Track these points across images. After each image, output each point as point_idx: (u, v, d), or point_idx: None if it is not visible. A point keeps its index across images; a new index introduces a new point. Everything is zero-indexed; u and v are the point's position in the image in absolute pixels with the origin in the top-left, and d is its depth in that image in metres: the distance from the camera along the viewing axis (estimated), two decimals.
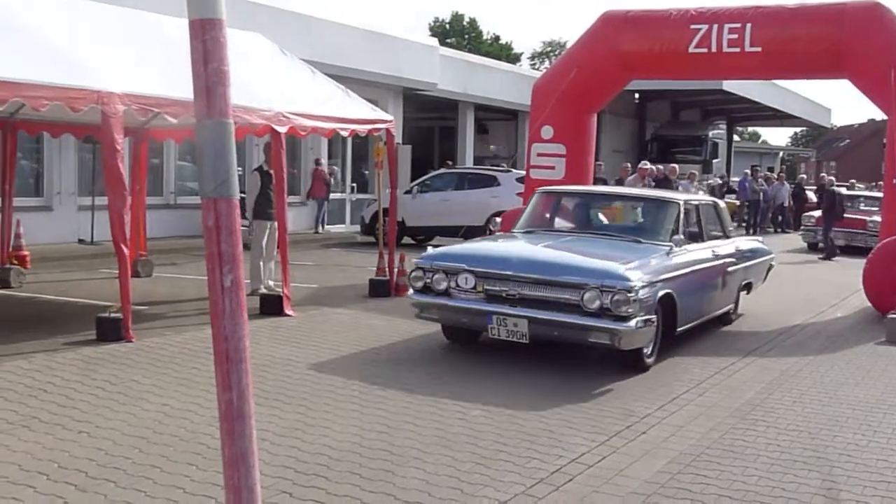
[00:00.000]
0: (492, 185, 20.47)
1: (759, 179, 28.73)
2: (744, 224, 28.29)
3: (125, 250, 8.71)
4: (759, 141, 79.59)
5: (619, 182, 22.34)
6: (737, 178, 32.91)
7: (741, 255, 10.89)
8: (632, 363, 8.15)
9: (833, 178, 24.73)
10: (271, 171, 11.45)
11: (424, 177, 22.18)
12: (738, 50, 12.81)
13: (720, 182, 28.59)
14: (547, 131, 14.19)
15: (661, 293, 8.11)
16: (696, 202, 10.59)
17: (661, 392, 7.61)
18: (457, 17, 68.72)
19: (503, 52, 64.44)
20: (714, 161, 37.50)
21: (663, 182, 20.06)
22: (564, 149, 14.11)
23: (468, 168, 25.69)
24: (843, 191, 25.34)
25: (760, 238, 12.96)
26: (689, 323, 9.12)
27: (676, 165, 21.99)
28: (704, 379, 8.10)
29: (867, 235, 20.36)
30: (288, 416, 6.35)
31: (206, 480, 4.97)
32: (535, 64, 70.91)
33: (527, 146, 15.10)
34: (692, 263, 9.13)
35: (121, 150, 8.69)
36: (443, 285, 8.37)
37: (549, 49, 75.82)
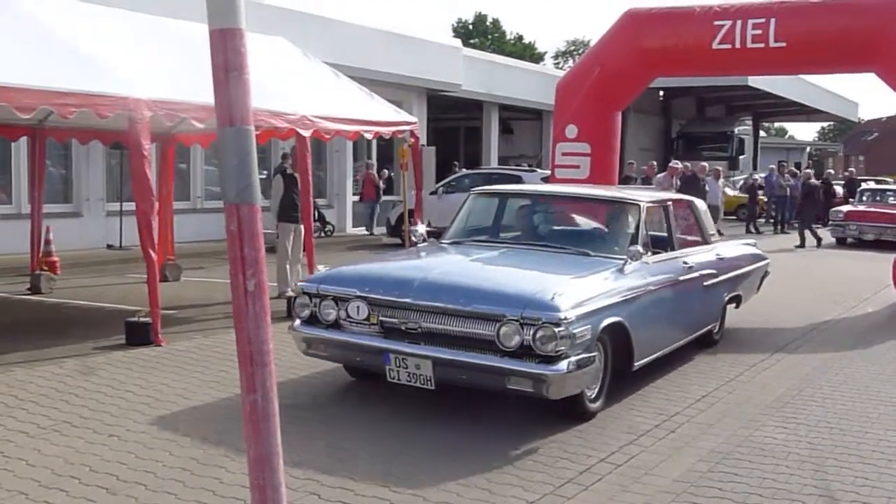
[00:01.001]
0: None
1: (787, 175, 28.48)
2: (771, 220, 28.04)
3: (153, 255, 8.76)
4: (786, 136, 79.14)
5: (646, 181, 22.33)
6: (763, 174, 32.69)
7: (724, 265, 9.01)
8: (568, 410, 6.35)
9: (811, 172, 25.29)
10: (295, 175, 11.51)
11: (450, 177, 22.21)
12: (762, 45, 12.71)
13: (755, 179, 28.32)
14: (571, 130, 14.15)
15: (605, 323, 6.29)
16: (665, 202, 8.52)
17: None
18: (480, 18, 68.75)
19: (526, 52, 64.40)
20: (741, 157, 37.32)
21: (691, 180, 19.98)
22: (589, 148, 14.06)
23: (493, 168, 25.67)
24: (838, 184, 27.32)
25: (754, 241, 11.29)
26: (653, 354, 7.30)
27: (706, 164, 22.09)
28: (735, 377, 8.04)
29: None
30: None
31: (234, 482, 4.99)
32: (558, 63, 70.85)
33: (551, 145, 15.06)
34: (654, 280, 7.26)
35: (148, 156, 8.76)
36: (332, 315, 6.55)
37: (572, 48, 75.74)
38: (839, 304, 12.54)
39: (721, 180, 24.83)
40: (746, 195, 27.95)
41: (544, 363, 5.75)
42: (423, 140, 15.46)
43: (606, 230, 8.10)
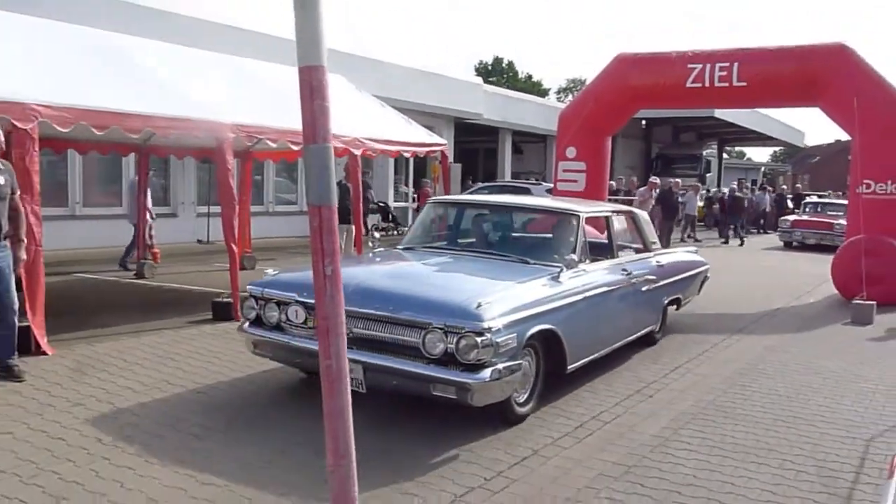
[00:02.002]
0: (525, 196, 20.38)
1: (744, 189, 28.14)
2: (731, 227, 27.58)
3: (234, 248, 8.83)
4: (745, 158, 78.20)
5: (629, 193, 22.27)
6: (725, 189, 32.33)
7: (664, 271, 8.03)
8: (497, 414, 5.35)
9: (735, 186, 25.46)
10: (349, 185, 11.56)
11: (472, 188, 22.18)
12: (727, 84, 12.65)
13: (723, 193, 28.01)
14: (571, 151, 14.12)
15: (535, 330, 5.34)
16: (605, 214, 7.59)
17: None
18: (497, 60, 68.39)
19: (535, 88, 64.01)
20: (707, 175, 37.01)
21: (667, 193, 19.91)
22: (585, 166, 14.04)
23: (507, 181, 25.65)
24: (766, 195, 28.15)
25: (694, 248, 10.37)
26: (588, 356, 6.34)
27: (679, 181, 22.62)
28: (701, 352, 7.98)
29: (833, 235, 20.08)
30: None
31: (310, 427, 5.02)
32: (560, 97, 70.33)
33: (554, 164, 15.00)
34: (590, 287, 6.29)
35: (231, 169, 8.81)
36: (274, 318, 5.69)
37: (572, 85, 75.13)
38: (788, 294, 12.41)
39: (698, 195, 24.83)
40: (717, 206, 27.51)
41: (468, 371, 4.84)
42: (451, 158, 15.44)
43: (547, 239, 7.09)
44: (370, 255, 6.98)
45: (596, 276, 6.56)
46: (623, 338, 7.17)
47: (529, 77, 69.56)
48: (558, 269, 6.00)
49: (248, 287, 5.97)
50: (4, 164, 6.11)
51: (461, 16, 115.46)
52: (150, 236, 12.49)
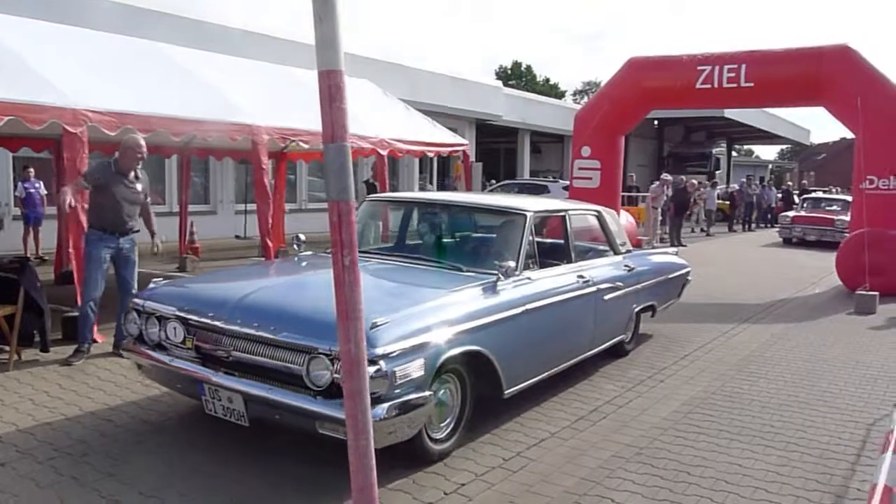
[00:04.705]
0: (543, 193, 20.35)
1: (753, 186, 27.87)
2: (742, 220, 27.32)
3: (269, 243, 8.91)
4: (753, 156, 77.32)
5: (638, 190, 22.18)
6: (735, 186, 32.04)
7: (633, 276, 6.72)
8: (412, 451, 4.18)
9: (696, 182, 22.13)
10: (376, 183, 11.61)
11: (490, 187, 22.16)
12: (735, 85, 12.52)
13: (734, 189, 27.74)
14: (586, 150, 14.04)
15: (454, 353, 4.17)
16: (561, 213, 6.19)
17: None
18: (516, 64, 68.03)
19: (552, 90, 63.61)
20: (717, 172, 36.65)
21: (682, 191, 19.75)
22: (599, 164, 13.95)
23: (526, 179, 25.65)
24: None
25: (675, 250, 8.99)
26: (535, 377, 5.17)
27: (695, 180, 22.06)
28: (710, 340, 7.93)
29: (835, 231, 19.27)
30: None
31: None
32: (576, 99, 69.82)
33: (570, 162, 14.94)
34: (534, 298, 5.06)
35: (266, 169, 8.88)
36: (155, 335, 4.54)
37: (587, 87, 74.65)
38: (793, 286, 12.28)
39: (717, 191, 24.63)
40: (728, 202, 27.23)
41: None
42: (472, 158, 15.44)
43: (488, 243, 5.79)
44: (273, 263, 5.71)
45: (543, 284, 5.30)
46: (581, 353, 5.92)
47: (547, 80, 69.13)
48: (493, 278, 4.80)
49: (133, 299, 4.96)
50: (142, 172, 6.62)
51: (482, 24, 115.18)
52: (191, 232, 12.61)
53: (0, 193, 13.66)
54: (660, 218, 19.66)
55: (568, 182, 15.73)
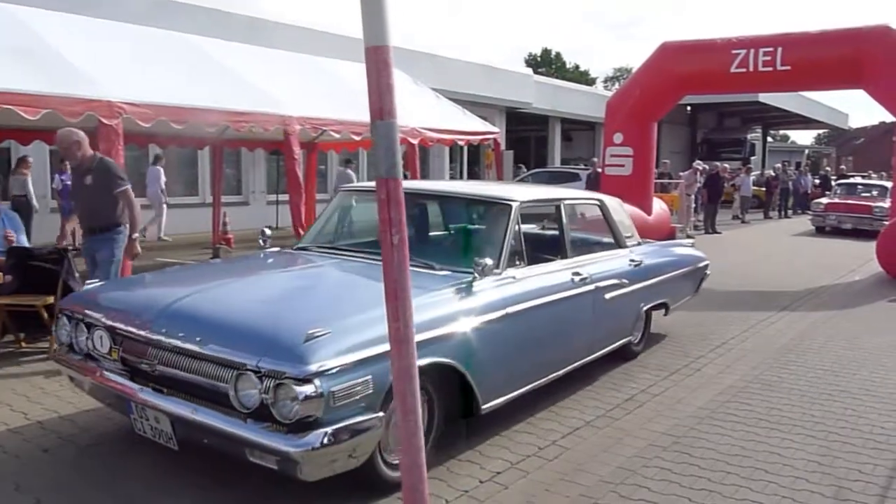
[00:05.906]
0: (574, 181, 20.19)
1: (789, 171, 27.37)
2: (778, 207, 26.80)
3: (301, 232, 8.93)
4: (789, 141, 75.99)
5: (671, 177, 21.88)
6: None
7: (640, 271, 6.03)
8: (363, 480, 3.58)
9: (718, 165, 20.61)
10: (407, 172, 11.61)
11: (522, 174, 22.07)
12: (771, 69, 12.29)
13: (770, 175, 27.19)
14: (618, 137, 13.91)
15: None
16: (554, 202, 5.43)
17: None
18: (546, 52, 67.58)
19: (582, 77, 63.04)
20: (752, 158, 36.11)
21: (714, 177, 19.47)
22: (632, 150, 13.81)
23: (557, 167, 25.47)
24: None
25: (690, 242, 8.06)
26: (519, 389, 4.51)
27: (728, 165, 21.68)
28: (747, 328, 7.82)
29: (873, 220, 18.16)
30: None
31: None
32: (607, 86, 69.19)
33: (602, 149, 14.81)
34: (517, 300, 4.41)
35: (298, 159, 8.93)
36: (83, 344, 4.01)
37: (618, 73, 73.85)
38: (832, 273, 12.07)
39: (752, 176, 24.21)
40: (763, 188, 26.69)
41: (293, 433, 3.13)
42: (503, 146, 15.35)
43: (469, 237, 5.09)
44: (257, 256, 5.47)
45: (529, 283, 4.65)
46: (577, 359, 5.30)
47: (577, 67, 68.54)
48: (468, 278, 4.20)
49: (60, 302, 4.60)
50: (105, 162, 6.38)
51: (511, 12, 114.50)
52: (224, 223, 12.73)
53: (38, 185, 13.91)
54: (693, 205, 19.43)
55: (600, 169, 15.61)
